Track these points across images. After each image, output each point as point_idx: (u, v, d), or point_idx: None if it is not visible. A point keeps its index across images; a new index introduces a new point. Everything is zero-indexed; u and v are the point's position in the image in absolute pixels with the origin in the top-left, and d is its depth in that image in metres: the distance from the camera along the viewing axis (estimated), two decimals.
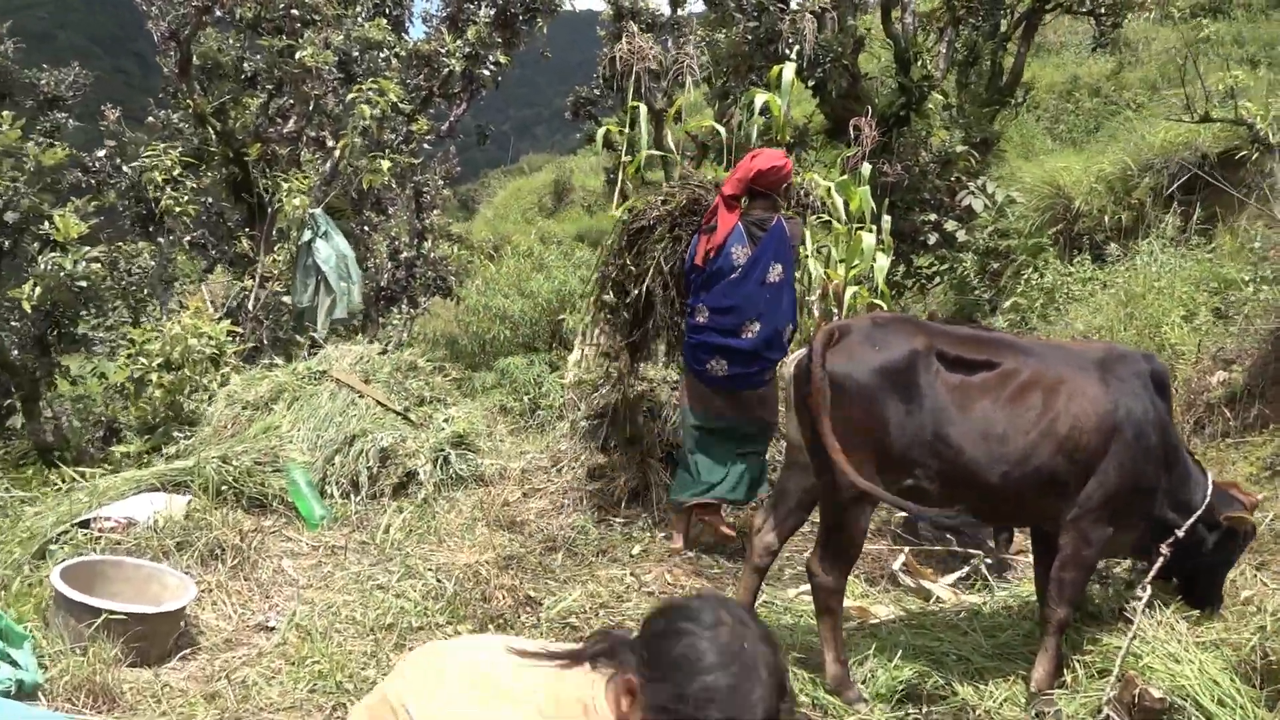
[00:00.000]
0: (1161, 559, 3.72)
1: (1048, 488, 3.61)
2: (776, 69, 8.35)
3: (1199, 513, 3.74)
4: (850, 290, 7.12)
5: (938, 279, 11.59)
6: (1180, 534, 3.71)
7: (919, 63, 11.41)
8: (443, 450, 5.72)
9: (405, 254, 11.52)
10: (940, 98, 10.94)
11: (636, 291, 5.36)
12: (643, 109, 7.34)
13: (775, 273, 4.97)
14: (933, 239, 10.99)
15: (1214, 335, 6.45)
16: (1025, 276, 9.62)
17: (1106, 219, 9.31)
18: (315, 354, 6.91)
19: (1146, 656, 3.55)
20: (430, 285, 12.13)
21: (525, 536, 5.37)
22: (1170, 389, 3.97)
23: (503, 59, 13.30)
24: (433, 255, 11.76)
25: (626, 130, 8.37)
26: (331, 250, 7.27)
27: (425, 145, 12.70)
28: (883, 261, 7.48)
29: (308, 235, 7.17)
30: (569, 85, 23.36)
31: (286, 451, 5.52)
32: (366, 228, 11.76)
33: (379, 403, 5.84)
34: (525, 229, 23.14)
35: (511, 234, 22.54)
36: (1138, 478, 3.64)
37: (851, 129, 8.44)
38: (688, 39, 8.91)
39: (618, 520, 5.59)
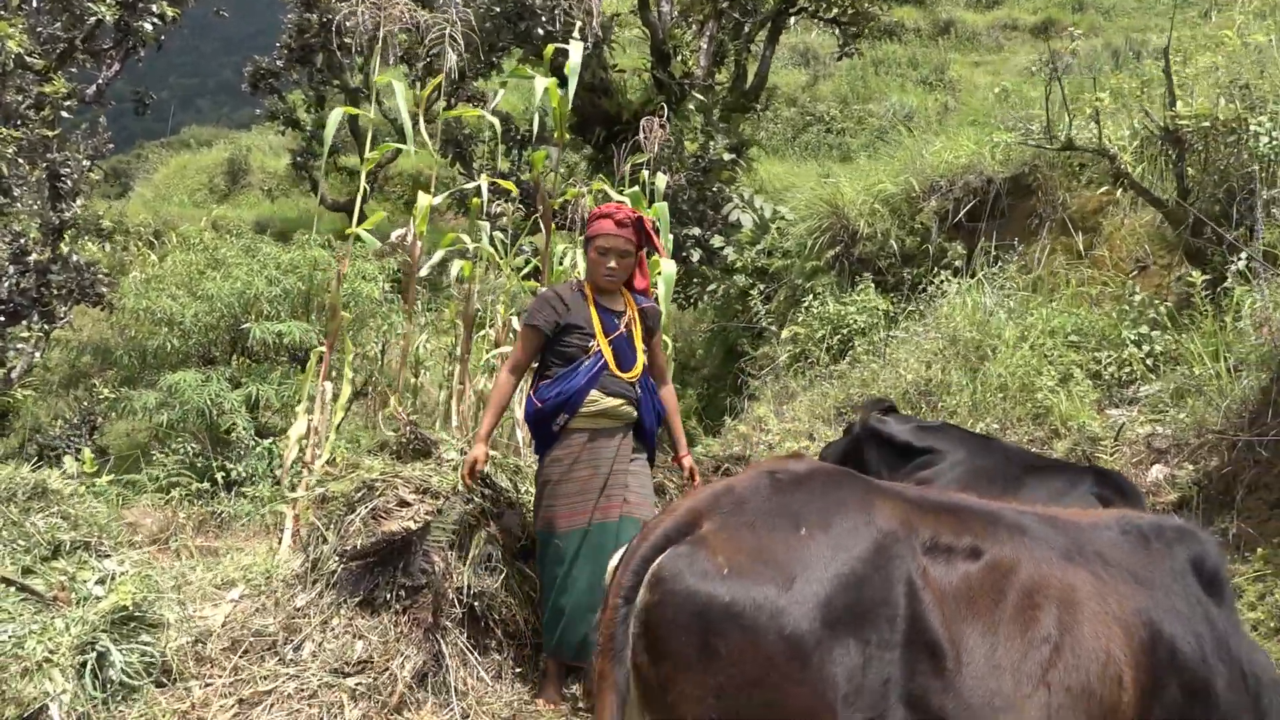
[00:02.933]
0: None
1: None
2: (550, 47, 6.34)
3: None
4: None
5: (695, 300, 10.03)
6: None
7: (679, 58, 9.72)
8: (96, 641, 3.14)
9: (35, 256, 8.18)
10: (700, 98, 9.35)
11: None
12: (399, 87, 4.99)
13: None
14: (695, 255, 9.37)
15: (1092, 401, 5.22)
16: (805, 304, 8.25)
17: (894, 244, 8.08)
18: None
19: None
20: (72, 294, 8.82)
21: None
22: (1227, 583, 2.22)
23: (170, 11, 10.18)
24: (75, 259, 8.47)
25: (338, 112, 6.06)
26: None
27: (65, 114, 9.40)
28: (669, 268, 5.94)
29: None
30: (237, 55, 19.78)
31: None
32: None
33: None
34: (194, 214, 19.29)
35: (177, 219, 18.74)
36: None
37: (642, 129, 6.65)
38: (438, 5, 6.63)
39: None
